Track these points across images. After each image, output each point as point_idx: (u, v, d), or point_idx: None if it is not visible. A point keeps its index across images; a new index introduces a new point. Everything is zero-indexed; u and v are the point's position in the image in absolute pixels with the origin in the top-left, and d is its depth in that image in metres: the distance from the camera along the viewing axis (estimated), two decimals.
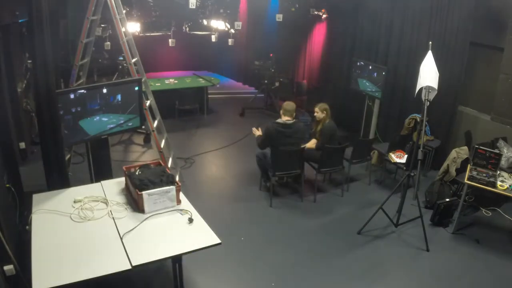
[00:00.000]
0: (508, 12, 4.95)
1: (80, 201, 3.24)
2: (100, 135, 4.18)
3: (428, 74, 4.09)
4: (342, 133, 6.41)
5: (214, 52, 9.55)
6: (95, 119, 4.07)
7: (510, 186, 4.08)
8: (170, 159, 5.23)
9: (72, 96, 3.82)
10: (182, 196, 3.33)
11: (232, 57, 9.68)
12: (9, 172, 3.91)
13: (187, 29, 7.92)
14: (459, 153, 5.00)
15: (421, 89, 4.13)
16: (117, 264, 2.58)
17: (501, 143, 4.71)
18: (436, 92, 4.08)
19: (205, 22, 7.77)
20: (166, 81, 7.77)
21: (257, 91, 8.86)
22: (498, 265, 3.98)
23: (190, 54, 9.93)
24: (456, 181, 4.99)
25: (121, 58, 7.27)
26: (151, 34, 7.42)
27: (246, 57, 9.39)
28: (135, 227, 2.94)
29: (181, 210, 3.19)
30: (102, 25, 5.72)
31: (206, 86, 7.88)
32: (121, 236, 2.84)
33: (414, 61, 5.68)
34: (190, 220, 3.06)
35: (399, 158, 5.32)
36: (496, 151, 4.39)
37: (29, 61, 5.66)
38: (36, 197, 3.27)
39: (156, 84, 7.44)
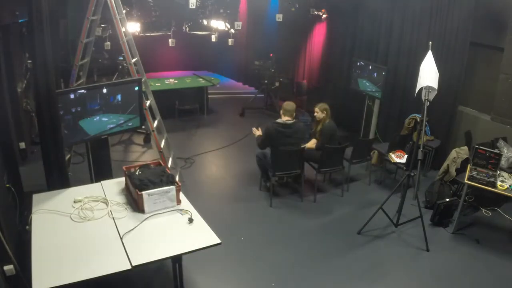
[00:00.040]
0: (508, 12, 4.95)
1: (80, 201, 3.24)
2: (100, 135, 4.18)
3: (428, 74, 4.09)
4: (342, 133, 6.41)
5: (214, 52, 9.55)
6: (95, 119, 4.07)
7: (510, 186, 4.08)
8: (170, 159, 5.23)
9: (72, 96, 3.82)
10: (182, 196, 3.33)
11: (232, 57, 9.69)
12: (9, 172, 3.91)
13: (187, 29, 7.91)
14: (459, 153, 5.00)
15: (421, 89, 4.13)
16: (117, 264, 2.58)
17: (501, 143, 4.71)
18: (436, 92, 4.08)
19: (205, 22, 7.77)
20: (166, 81, 7.76)
21: (257, 91, 8.86)
22: (498, 265, 3.98)
23: (190, 54, 9.93)
24: (456, 181, 4.99)
25: (121, 58, 7.27)
26: (151, 34, 7.42)
27: (246, 57, 9.39)
28: (135, 227, 2.94)
29: (181, 210, 3.19)
30: (102, 25, 5.72)
31: (206, 86, 7.87)
32: (121, 236, 2.84)
33: (414, 61, 5.68)
34: (190, 220, 3.06)
35: (399, 158, 5.32)
36: (496, 151, 4.39)
37: (29, 61, 5.66)
38: (36, 197, 3.27)
39: (156, 84, 7.44)
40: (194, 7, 6.74)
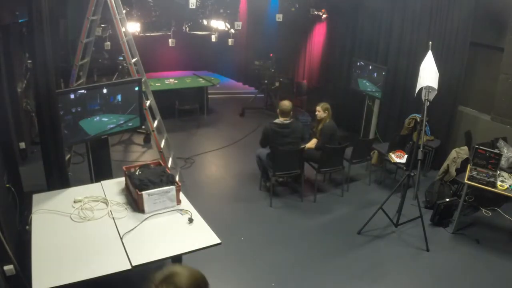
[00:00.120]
0: (508, 12, 4.95)
1: (80, 201, 3.24)
2: (100, 135, 4.18)
3: (428, 74, 4.09)
4: (342, 133, 6.41)
5: (214, 52, 9.54)
6: (95, 119, 4.07)
7: (510, 186, 4.07)
8: (170, 159, 5.23)
9: (72, 96, 3.82)
10: (182, 196, 3.33)
11: (232, 57, 9.68)
12: (9, 172, 3.91)
13: (187, 29, 7.91)
14: (459, 153, 5.00)
15: (421, 89, 4.13)
16: (117, 264, 2.58)
17: (501, 143, 4.71)
18: (436, 92, 4.08)
19: (205, 22, 7.77)
20: (166, 81, 7.76)
21: (257, 91, 8.86)
22: (498, 265, 3.98)
23: (190, 54, 9.92)
24: (456, 181, 4.99)
25: (121, 58, 7.27)
26: (151, 34, 7.41)
27: (246, 57, 9.39)
28: (135, 227, 2.94)
29: (181, 210, 3.19)
30: (102, 25, 5.72)
31: (206, 86, 7.87)
32: (121, 236, 2.84)
33: (414, 61, 5.68)
34: (190, 220, 3.06)
35: (399, 158, 5.32)
36: (496, 151, 4.39)
37: (29, 61, 5.66)
38: (36, 197, 3.27)
39: (156, 84, 7.44)
40: (194, 7, 6.74)
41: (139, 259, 2.62)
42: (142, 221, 3.02)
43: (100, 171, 4.22)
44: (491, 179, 4.11)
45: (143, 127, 4.96)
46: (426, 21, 5.69)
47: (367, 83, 6.37)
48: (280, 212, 4.80)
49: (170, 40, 7.24)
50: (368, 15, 6.62)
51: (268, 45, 8.79)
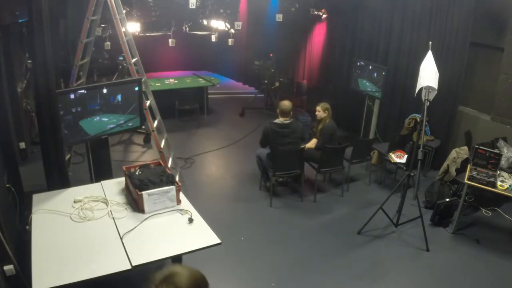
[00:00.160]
0: (508, 12, 4.95)
1: (80, 201, 3.24)
2: (100, 135, 4.18)
3: (428, 74, 4.09)
4: (342, 133, 6.41)
5: (214, 52, 9.54)
6: (95, 119, 4.07)
7: (510, 186, 4.07)
8: (170, 159, 5.23)
9: (72, 96, 3.82)
10: (182, 196, 3.33)
11: (232, 57, 9.68)
12: (9, 172, 3.91)
13: (187, 29, 7.91)
14: (459, 153, 5.00)
15: (421, 89, 4.13)
16: (117, 264, 2.58)
17: (501, 143, 4.71)
18: (436, 92, 4.08)
19: (205, 22, 7.77)
20: (166, 81, 7.76)
21: (257, 91, 8.86)
22: (498, 265, 3.98)
23: (190, 54, 9.92)
24: (456, 181, 4.99)
25: (121, 58, 7.27)
26: (151, 34, 7.41)
27: (246, 57, 9.39)
28: (135, 227, 2.94)
29: (181, 210, 3.19)
30: (102, 25, 5.72)
31: (206, 86, 7.87)
32: (121, 236, 2.84)
33: (414, 61, 5.68)
34: (190, 220, 3.06)
35: (399, 158, 5.32)
36: (496, 151, 4.39)
37: (29, 61, 5.66)
38: (36, 197, 3.27)
39: (156, 84, 7.44)
40: (194, 7, 6.74)
41: (139, 259, 2.62)
42: (142, 221, 3.02)
43: (100, 171, 4.22)
44: (491, 179, 4.11)
45: (143, 127, 4.97)
46: (426, 21, 5.69)
47: (367, 83, 6.37)
48: (280, 212, 4.80)
49: (170, 40, 7.24)
50: (368, 15, 6.62)
51: (268, 45, 8.79)
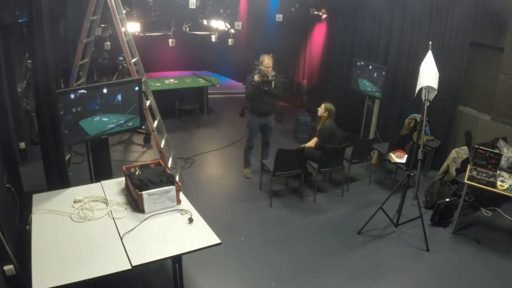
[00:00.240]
0: (508, 12, 4.95)
1: (80, 201, 3.24)
2: (100, 135, 4.18)
3: (428, 74, 4.09)
4: (342, 133, 6.42)
5: (214, 52, 9.55)
6: (95, 119, 4.07)
7: (510, 186, 4.08)
8: (170, 159, 5.23)
9: (72, 96, 3.82)
10: (182, 196, 3.33)
11: (232, 57, 9.68)
12: (9, 172, 3.91)
13: (187, 29, 7.91)
14: (459, 153, 5.00)
15: (421, 89, 4.13)
16: (117, 264, 2.58)
17: (501, 143, 4.71)
18: (436, 92, 4.08)
19: (205, 22, 7.77)
20: (166, 81, 7.77)
21: None
22: (498, 265, 3.98)
23: (190, 54, 9.93)
24: (456, 181, 4.99)
25: (121, 58, 7.28)
26: (151, 34, 7.42)
27: (246, 57, 9.39)
28: (135, 227, 2.94)
29: (181, 210, 3.19)
30: (102, 25, 5.72)
31: (206, 86, 7.88)
32: (121, 236, 2.84)
33: (414, 61, 5.69)
34: (190, 220, 3.06)
35: (399, 158, 5.32)
36: (496, 151, 4.39)
37: (29, 61, 5.66)
38: (36, 197, 3.27)
39: (156, 84, 7.44)
40: (194, 7, 6.73)
41: (139, 259, 2.62)
42: (142, 221, 3.02)
43: (100, 171, 4.22)
44: (491, 179, 4.11)
45: (143, 127, 4.97)
46: (426, 21, 5.69)
47: (367, 83, 6.37)
48: (280, 212, 4.80)
49: (170, 40, 7.24)
50: (368, 15, 6.62)
51: (268, 45, 8.77)
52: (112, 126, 4.26)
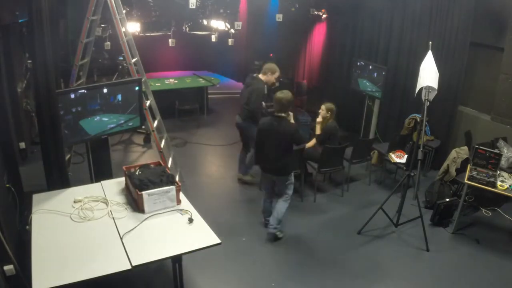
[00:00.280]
0: (508, 12, 4.95)
1: (80, 201, 3.24)
2: (100, 135, 4.18)
3: (428, 74, 4.09)
4: (342, 133, 6.40)
5: (214, 52, 9.54)
6: (95, 119, 4.07)
7: (510, 186, 4.08)
8: (170, 159, 5.23)
9: (72, 96, 3.82)
10: (182, 196, 3.33)
11: (232, 57, 9.68)
12: (9, 172, 3.91)
13: (187, 29, 7.91)
14: (459, 153, 5.00)
15: (421, 89, 4.13)
16: (117, 264, 2.58)
17: (501, 143, 4.71)
18: (436, 92, 4.08)
19: (205, 22, 7.77)
20: (166, 81, 7.77)
21: None
22: (498, 265, 3.98)
23: (190, 54, 9.92)
24: (456, 181, 4.99)
25: (121, 58, 7.27)
26: (151, 34, 7.42)
27: (246, 57, 9.39)
28: (135, 227, 2.94)
29: (181, 210, 3.19)
30: (102, 25, 5.72)
31: (206, 86, 7.88)
32: (121, 236, 2.84)
33: (414, 61, 5.69)
34: (190, 220, 3.06)
35: (399, 158, 5.32)
36: (496, 151, 4.39)
37: (29, 61, 5.66)
38: (36, 197, 3.27)
39: (156, 84, 7.44)
40: (194, 7, 6.74)
41: (139, 259, 2.62)
42: (142, 221, 3.02)
43: (100, 171, 4.22)
44: (491, 179, 4.11)
45: (143, 127, 4.97)
46: (426, 21, 5.69)
47: (367, 83, 6.37)
48: None
49: (170, 40, 7.24)
50: (368, 15, 6.62)
51: (268, 45, 8.79)
52: (112, 126, 4.26)
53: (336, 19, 7.55)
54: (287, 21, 7.82)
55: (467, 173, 4.31)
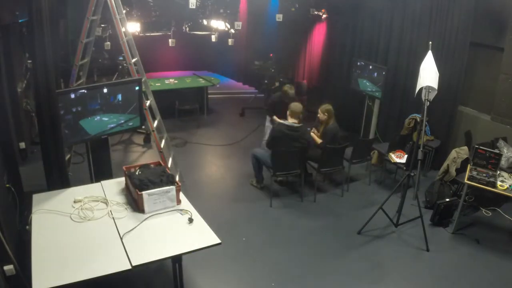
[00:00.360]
0: (508, 12, 4.95)
1: (80, 201, 3.24)
2: (100, 134, 4.18)
3: (428, 74, 4.09)
4: (342, 133, 6.39)
5: (214, 52, 9.54)
6: (95, 119, 4.07)
7: (510, 186, 4.08)
8: (170, 159, 5.23)
9: (72, 96, 3.82)
10: (182, 196, 3.33)
11: (232, 57, 9.68)
12: (9, 172, 3.91)
13: (187, 29, 7.91)
14: (459, 153, 5.00)
15: (421, 89, 4.13)
16: (117, 264, 2.58)
17: (501, 143, 4.71)
18: (436, 92, 4.08)
19: (205, 22, 7.77)
20: (166, 81, 7.77)
21: (257, 91, 8.86)
22: (498, 265, 3.98)
23: (190, 54, 9.92)
24: (456, 181, 4.99)
25: (121, 58, 7.27)
26: (151, 34, 7.41)
27: (246, 57, 9.39)
28: (135, 227, 2.94)
29: (181, 210, 3.19)
30: (102, 25, 5.72)
31: (206, 86, 7.88)
32: (121, 236, 2.84)
33: (414, 61, 5.69)
34: (190, 220, 3.06)
35: (399, 158, 5.32)
36: (496, 151, 4.39)
37: (29, 61, 5.66)
38: (36, 197, 3.27)
39: (156, 84, 7.44)
40: (194, 7, 6.73)
41: (139, 259, 2.62)
42: (142, 221, 3.02)
43: (100, 171, 4.22)
44: (491, 179, 4.11)
45: (143, 127, 4.97)
46: (426, 21, 5.69)
47: (367, 83, 6.37)
48: (280, 212, 4.80)
49: (170, 40, 7.23)
50: (368, 15, 6.62)
51: (268, 45, 8.79)
52: (112, 126, 4.26)
53: (336, 19, 7.55)
54: (287, 21, 7.81)
55: (467, 173, 4.31)
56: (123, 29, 4.52)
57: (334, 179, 5.65)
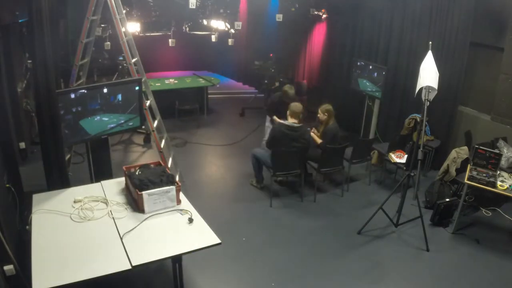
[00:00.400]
0: (508, 12, 4.95)
1: (80, 201, 3.24)
2: (100, 134, 4.18)
3: (428, 74, 4.09)
4: (342, 133, 6.40)
5: (214, 52, 9.54)
6: (95, 119, 4.07)
7: (510, 186, 4.08)
8: (170, 159, 5.23)
9: (72, 96, 3.82)
10: (182, 196, 3.33)
11: (232, 57, 9.68)
12: (9, 172, 3.91)
13: (187, 29, 7.91)
14: (459, 153, 5.00)
15: (421, 89, 4.13)
16: (117, 264, 2.58)
17: (501, 143, 4.71)
18: (436, 92, 4.08)
19: (205, 22, 7.77)
20: (166, 81, 7.77)
21: (257, 91, 8.85)
22: (498, 265, 3.98)
23: (190, 54, 9.92)
24: (456, 181, 4.99)
25: (121, 58, 7.27)
26: (151, 34, 7.41)
27: (246, 57, 9.39)
28: (135, 227, 2.94)
29: (181, 210, 3.19)
30: (102, 25, 5.72)
31: (206, 86, 7.88)
32: (121, 236, 2.84)
33: (414, 61, 5.69)
34: (190, 220, 3.06)
35: (399, 158, 5.32)
36: (496, 151, 4.39)
37: (29, 61, 5.65)
38: (36, 197, 3.27)
39: (156, 84, 7.44)
40: (194, 7, 6.73)
41: (139, 259, 2.62)
42: (142, 221, 3.02)
43: (100, 171, 4.22)
44: (491, 179, 4.11)
45: (143, 127, 4.97)
46: (426, 21, 5.69)
47: (367, 83, 6.37)
48: (280, 212, 4.80)
49: (170, 40, 7.23)
50: (368, 15, 6.62)
51: (268, 45, 8.79)
52: (112, 125, 4.26)
53: (336, 19, 7.55)
54: (287, 21, 7.81)
55: (467, 173, 4.31)
56: (123, 29, 4.52)
57: (334, 179, 5.65)
